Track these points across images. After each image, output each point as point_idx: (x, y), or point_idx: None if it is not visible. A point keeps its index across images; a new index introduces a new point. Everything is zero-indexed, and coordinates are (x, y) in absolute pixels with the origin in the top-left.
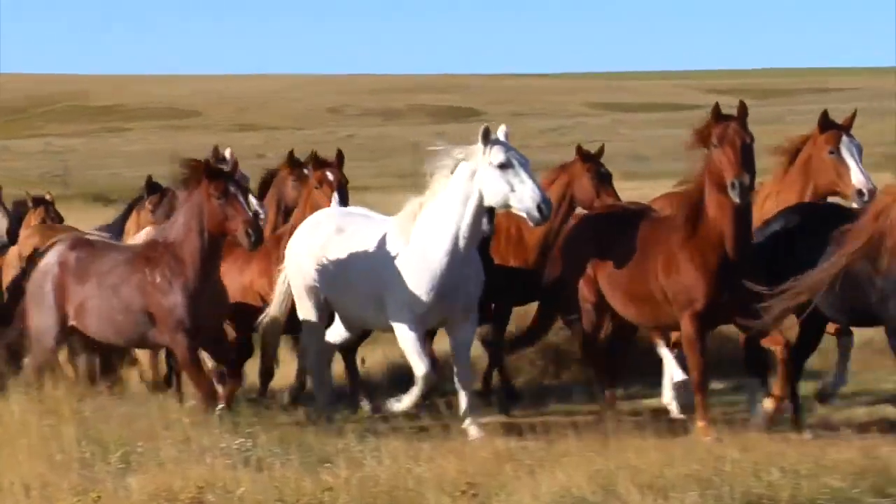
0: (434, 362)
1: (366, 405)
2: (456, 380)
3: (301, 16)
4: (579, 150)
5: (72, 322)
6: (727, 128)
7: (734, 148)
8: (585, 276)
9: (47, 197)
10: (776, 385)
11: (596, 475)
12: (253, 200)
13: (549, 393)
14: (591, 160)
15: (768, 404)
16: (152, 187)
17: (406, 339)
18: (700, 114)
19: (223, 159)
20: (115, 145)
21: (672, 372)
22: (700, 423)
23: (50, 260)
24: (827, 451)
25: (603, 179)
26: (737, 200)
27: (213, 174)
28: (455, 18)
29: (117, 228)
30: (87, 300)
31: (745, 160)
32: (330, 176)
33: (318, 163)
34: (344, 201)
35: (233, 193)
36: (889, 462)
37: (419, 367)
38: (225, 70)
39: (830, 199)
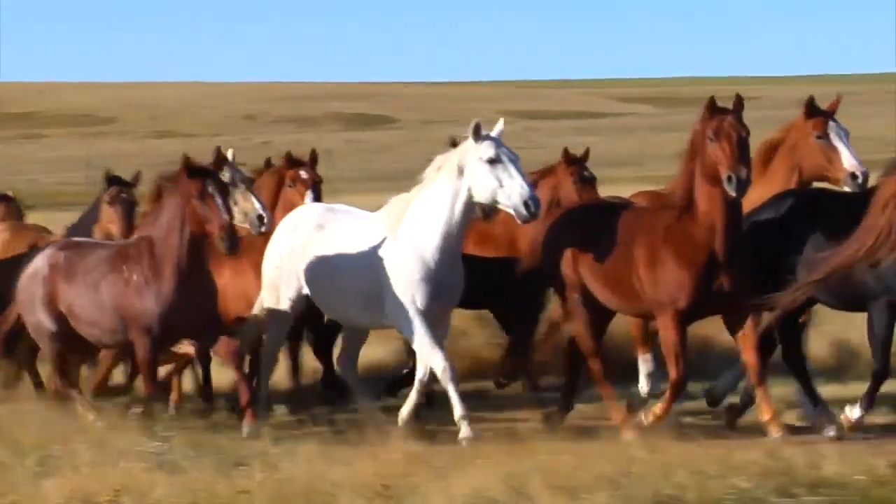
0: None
1: (280, 408)
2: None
3: (216, 24)
4: (565, 153)
5: (67, 322)
6: (723, 121)
7: (731, 142)
8: (568, 264)
9: (9, 193)
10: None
11: (507, 477)
12: (257, 204)
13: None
14: (575, 163)
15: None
16: (111, 180)
17: (418, 335)
18: (611, 121)
19: (225, 160)
20: (31, 151)
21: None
22: (651, 418)
23: (40, 262)
24: (734, 453)
25: (586, 183)
26: (733, 194)
27: (193, 172)
28: (368, 26)
29: (85, 228)
30: (75, 300)
31: (742, 154)
32: (304, 174)
33: (292, 162)
34: (317, 199)
35: (210, 194)
36: (793, 463)
37: (438, 363)
38: (141, 77)
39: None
